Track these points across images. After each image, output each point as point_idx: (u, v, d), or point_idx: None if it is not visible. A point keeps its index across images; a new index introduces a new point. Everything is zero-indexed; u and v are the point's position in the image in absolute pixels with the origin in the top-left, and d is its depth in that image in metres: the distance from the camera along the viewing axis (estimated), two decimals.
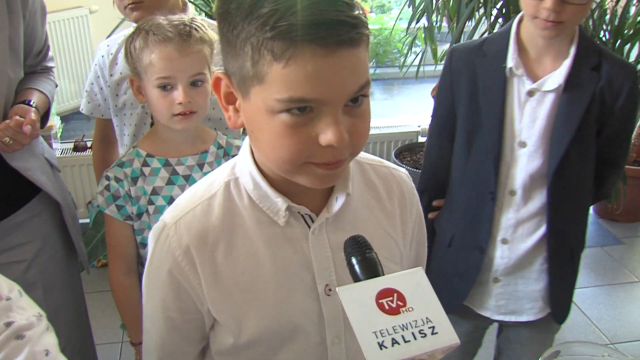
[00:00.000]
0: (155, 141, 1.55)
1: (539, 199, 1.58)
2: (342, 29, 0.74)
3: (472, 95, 1.57)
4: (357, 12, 0.77)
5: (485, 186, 1.59)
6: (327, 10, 0.74)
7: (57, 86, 1.81)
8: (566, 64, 1.50)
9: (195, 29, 1.45)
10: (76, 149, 3.43)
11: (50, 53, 1.80)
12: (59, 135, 3.61)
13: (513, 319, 1.72)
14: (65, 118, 4.19)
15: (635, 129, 3.74)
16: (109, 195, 1.51)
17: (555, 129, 1.52)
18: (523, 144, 1.55)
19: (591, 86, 1.50)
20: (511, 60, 1.52)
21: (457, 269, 1.70)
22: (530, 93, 1.53)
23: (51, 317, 1.00)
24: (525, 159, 1.55)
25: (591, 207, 3.89)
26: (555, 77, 1.50)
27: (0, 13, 1.49)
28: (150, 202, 1.51)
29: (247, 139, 0.95)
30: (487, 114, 1.56)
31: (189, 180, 1.51)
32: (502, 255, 1.64)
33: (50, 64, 1.79)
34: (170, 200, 1.50)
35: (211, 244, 0.93)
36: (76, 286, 1.82)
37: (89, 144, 3.44)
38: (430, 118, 1.76)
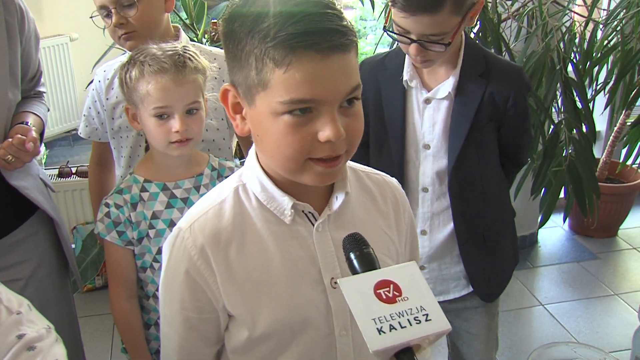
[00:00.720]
0: (152, 167, 1.58)
1: (445, 190, 1.73)
2: (333, 35, 0.85)
3: (377, 105, 1.70)
4: (345, 22, 0.88)
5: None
6: (320, 21, 0.85)
7: (48, 110, 1.86)
8: (454, 73, 1.63)
9: (189, 59, 1.48)
10: (61, 175, 3.44)
11: (42, 79, 1.85)
12: (43, 161, 3.62)
13: (442, 298, 1.85)
14: (48, 144, 4.19)
15: (607, 148, 3.86)
16: (110, 222, 1.54)
17: (450, 131, 1.67)
18: (427, 146, 1.70)
19: (479, 91, 1.64)
20: (406, 74, 1.65)
21: None
22: (427, 101, 1.67)
23: None
24: (431, 159, 1.71)
25: (567, 224, 4.03)
26: (446, 87, 1.64)
27: (0, 38, 1.54)
28: (151, 227, 1.54)
29: (251, 149, 1.04)
30: (390, 122, 1.70)
31: (187, 202, 1.55)
32: (422, 245, 1.78)
33: (42, 89, 1.84)
34: (171, 224, 1.54)
35: (224, 242, 1.00)
36: (70, 305, 1.85)
37: (73, 170, 3.46)
38: None
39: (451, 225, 1.76)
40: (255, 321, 1.01)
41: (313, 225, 1.03)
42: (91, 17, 1.70)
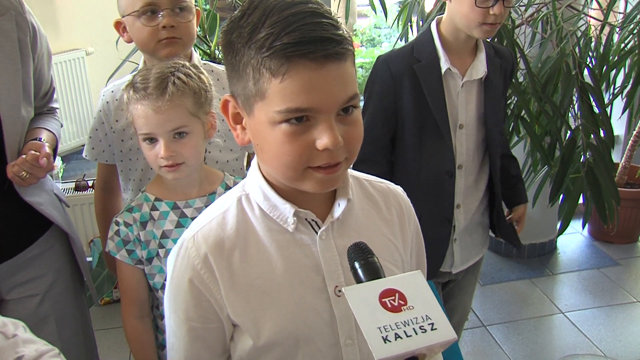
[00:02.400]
0: (163, 185, 1.56)
1: (476, 165, 1.97)
2: (328, 44, 0.86)
3: (416, 93, 1.84)
4: (341, 31, 0.88)
5: (443, 165, 1.90)
6: (315, 30, 0.85)
7: (62, 126, 1.86)
8: (482, 55, 1.86)
9: (173, 82, 1.43)
10: (77, 188, 3.46)
11: (55, 95, 1.86)
12: (60, 175, 3.65)
13: (466, 265, 2.08)
14: (65, 158, 4.23)
15: (626, 152, 3.81)
16: (119, 240, 1.53)
17: (489, 107, 1.89)
18: (461, 126, 1.89)
19: (500, 69, 1.91)
20: (445, 64, 1.83)
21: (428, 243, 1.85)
22: (462, 84, 1.86)
23: (64, 350, 1.05)
24: (465, 137, 1.90)
25: (586, 230, 3.98)
26: (479, 68, 1.86)
27: (14, 56, 1.55)
28: (161, 246, 1.52)
29: (254, 160, 1.04)
30: (434, 106, 1.83)
31: None
32: (459, 218, 1.97)
33: (55, 105, 1.84)
34: None
35: (227, 251, 1.01)
36: (86, 319, 1.85)
37: (90, 183, 3.48)
38: (370, 112, 1.93)
39: (480, 194, 1.99)
40: (260, 330, 1.01)
41: (316, 233, 1.03)
42: (129, 15, 1.61)
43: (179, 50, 1.63)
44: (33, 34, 1.62)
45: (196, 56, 1.81)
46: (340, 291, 1.02)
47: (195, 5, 1.71)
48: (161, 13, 1.60)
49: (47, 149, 1.56)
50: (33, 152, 1.51)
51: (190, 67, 1.51)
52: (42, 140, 1.60)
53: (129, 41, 1.72)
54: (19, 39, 1.57)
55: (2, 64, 1.53)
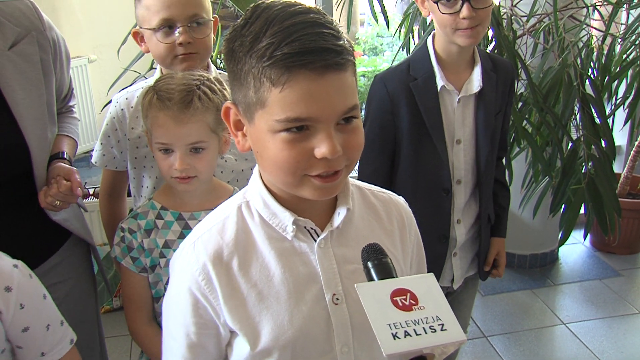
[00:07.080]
0: (170, 195, 1.55)
1: (475, 180, 1.93)
2: (328, 55, 0.87)
3: (413, 111, 1.82)
4: (341, 42, 0.89)
5: (440, 182, 1.87)
6: (315, 40, 0.86)
7: (79, 121, 1.85)
8: (478, 69, 1.81)
9: (199, 97, 1.43)
10: None
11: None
12: None
13: (465, 276, 2.06)
14: None
15: (628, 163, 3.80)
16: (124, 247, 1.52)
17: (479, 125, 1.85)
18: (459, 141, 1.86)
19: (494, 85, 1.85)
20: (440, 81, 1.79)
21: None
22: (458, 100, 1.83)
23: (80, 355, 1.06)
24: (462, 153, 1.87)
25: (588, 240, 3.97)
26: (475, 82, 1.81)
27: (37, 81, 1.52)
28: (162, 255, 1.51)
29: (255, 167, 1.06)
30: (430, 124, 1.81)
31: None
32: (459, 233, 1.95)
33: (72, 102, 1.83)
34: None
35: (226, 259, 1.02)
36: (98, 325, 1.84)
37: (91, 191, 3.47)
38: (367, 131, 1.89)
39: (476, 211, 1.95)
40: (257, 337, 1.01)
41: (315, 241, 1.03)
42: (146, 29, 1.59)
43: (197, 64, 1.61)
44: (54, 49, 1.60)
45: (213, 67, 1.78)
46: (338, 300, 1.03)
47: (213, 14, 1.70)
48: (178, 29, 1.58)
49: (78, 177, 1.53)
50: (65, 182, 1.49)
51: (215, 82, 1.49)
52: (65, 155, 1.59)
53: (147, 52, 1.71)
54: (41, 59, 1.54)
55: (27, 92, 1.50)
